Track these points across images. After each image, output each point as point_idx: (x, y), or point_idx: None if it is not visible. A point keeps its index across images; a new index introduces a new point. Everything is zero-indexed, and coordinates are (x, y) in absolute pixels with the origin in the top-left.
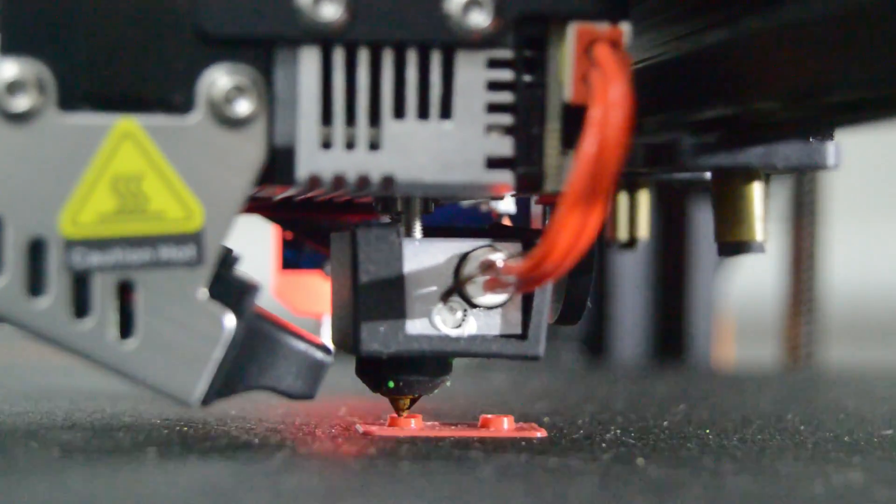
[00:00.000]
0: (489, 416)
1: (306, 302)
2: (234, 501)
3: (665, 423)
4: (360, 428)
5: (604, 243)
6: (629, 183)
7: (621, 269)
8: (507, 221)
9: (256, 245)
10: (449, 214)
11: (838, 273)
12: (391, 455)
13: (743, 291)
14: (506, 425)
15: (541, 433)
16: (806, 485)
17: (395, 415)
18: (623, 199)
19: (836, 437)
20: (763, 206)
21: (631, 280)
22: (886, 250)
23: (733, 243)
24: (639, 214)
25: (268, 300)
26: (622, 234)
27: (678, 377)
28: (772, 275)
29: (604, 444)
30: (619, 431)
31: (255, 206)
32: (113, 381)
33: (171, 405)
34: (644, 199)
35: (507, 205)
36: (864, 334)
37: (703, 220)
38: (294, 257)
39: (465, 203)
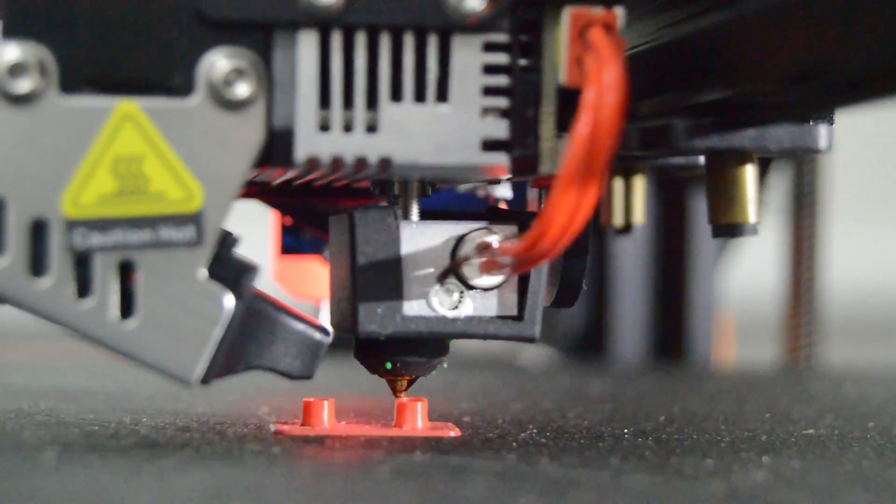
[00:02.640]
0: (404, 399)
1: (305, 287)
2: (116, 500)
3: (585, 422)
4: (273, 427)
5: (600, 232)
6: (624, 168)
7: (621, 269)
8: (503, 206)
9: (256, 230)
10: (446, 200)
11: (838, 273)
12: (294, 454)
13: (742, 291)
14: (419, 411)
15: (454, 432)
16: (704, 484)
17: (310, 414)
18: (619, 184)
19: (753, 436)
20: (756, 189)
21: (630, 279)
22: (886, 250)
23: (727, 226)
24: (634, 200)
25: (267, 285)
26: (618, 219)
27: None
28: (771, 274)
29: (514, 444)
30: (535, 431)
31: (255, 191)
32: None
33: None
34: (639, 184)
35: (503, 190)
36: (864, 334)
37: (703, 219)
38: (293, 242)
39: (462, 188)
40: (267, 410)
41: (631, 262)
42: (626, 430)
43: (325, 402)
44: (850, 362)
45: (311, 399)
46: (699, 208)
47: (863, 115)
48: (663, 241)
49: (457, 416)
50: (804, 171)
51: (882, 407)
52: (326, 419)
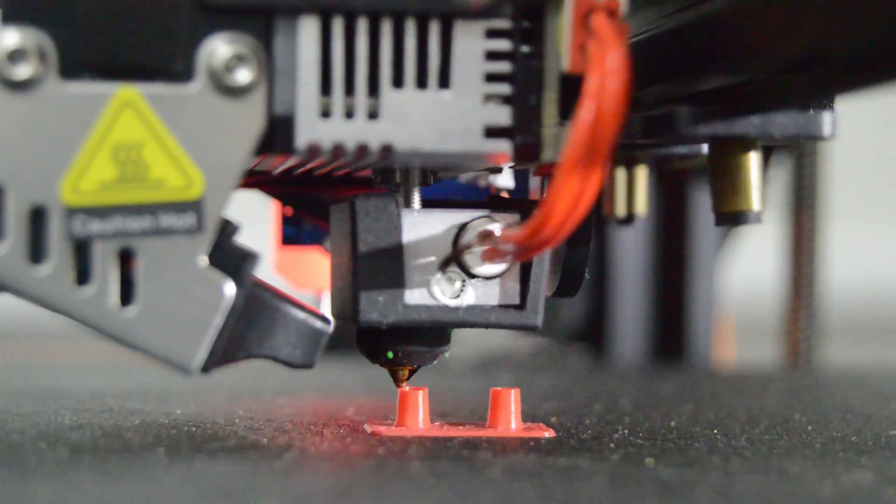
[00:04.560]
0: (498, 388)
1: (306, 277)
2: (243, 502)
3: (672, 423)
4: (368, 428)
5: (601, 226)
6: (627, 159)
7: (621, 269)
8: (505, 195)
9: (256, 221)
10: (447, 189)
11: (839, 272)
12: (400, 455)
13: (743, 290)
14: (512, 398)
15: (549, 433)
16: (815, 485)
17: (403, 415)
18: (621, 174)
19: (843, 437)
20: (760, 176)
21: (631, 279)
22: (887, 249)
23: (730, 213)
24: (636, 190)
25: (268, 276)
26: (620, 209)
27: (681, 377)
28: (771, 274)
29: (612, 445)
30: (626, 432)
31: (256, 181)
32: (120, 381)
33: (180, 406)
34: (642, 174)
35: (505, 179)
36: (864, 334)
37: (703, 218)
38: (294, 233)
39: (464, 177)
40: (353, 411)
41: (631, 262)
42: (715, 430)
43: (420, 394)
44: (850, 363)
45: (407, 389)
46: (699, 208)
47: (863, 114)
48: (663, 241)
49: (542, 417)
50: (804, 170)
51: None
52: (421, 420)
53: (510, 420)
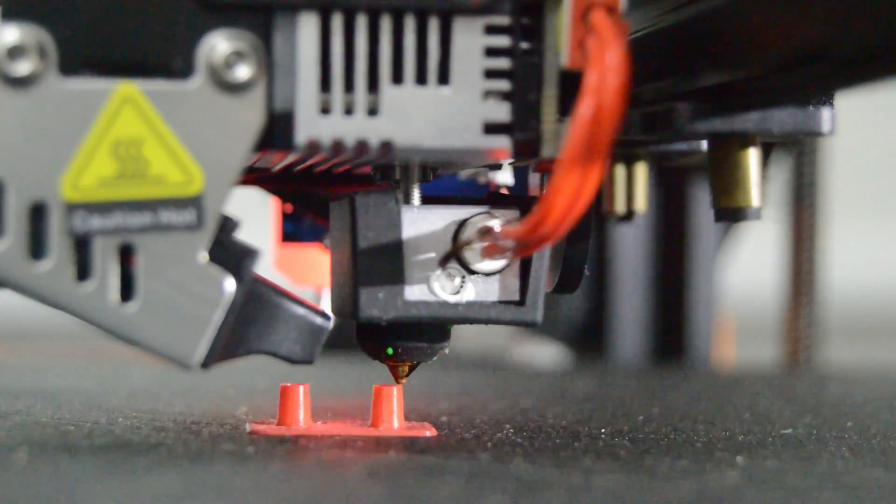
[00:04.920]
0: (381, 385)
1: (306, 274)
2: (85, 500)
3: (563, 422)
4: (248, 426)
5: (601, 224)
6: (626, 155)
7: (620, 269)
8: (505, 192)
9: (256, 218)
10: (447, 187)
11: (839, 272)
12: (262, 455)
13: (743, 290)
14: (395, 396)
15: (430, 432)
16: (677, 484)
17: (285, 414)
18: (620, 171)
19: (730, 436)
20: (759, 173)
21: (630, 279)
22: (888, 249)
23: (730, 209)
24: (636, 187)
25: (268, 272)
26: (620, 206)
27: (596, 376)
28: (771, 274)
29: (489, 444)
30: (512, 431)
31: (255, 178)
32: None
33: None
34: (641, 171)
35: (505, 176)
36: (864, 334)
37: (703, 218)
38: (294, 230)
39: (463, 174)
40: (245, 410)
41: (630, 262)
42: (602, 430)
43: (301, 391)
44: (849, 362)
45: (288, 384)
46: (699, 208)
47: (863, 111)
48: (663, 241)
49: (435, 416)
50: (803, 168)
51: (861, 406)
52: (302, 419)
53: (392, 418)
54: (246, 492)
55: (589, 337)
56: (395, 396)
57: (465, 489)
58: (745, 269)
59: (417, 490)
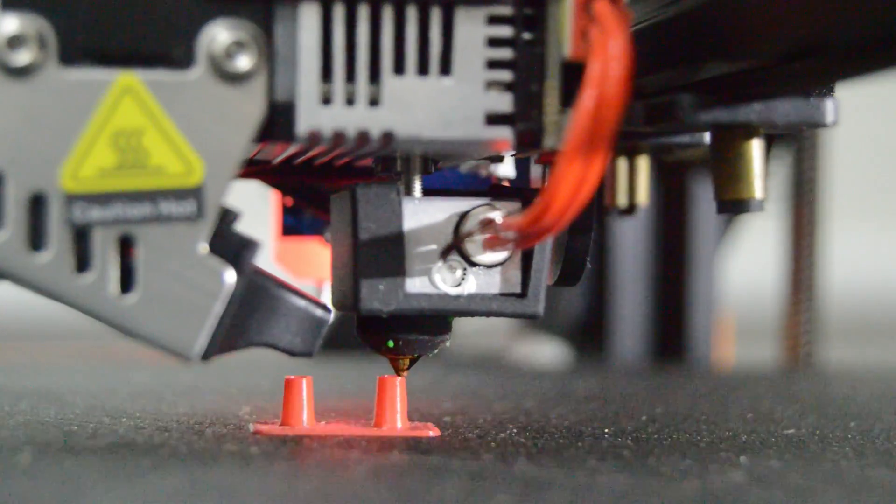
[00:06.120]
0: (383, 385)
1: (307, 267)
2: (88, 500)
3: (567, 422)
4: (252, 427)
5: (602, 220)
6: (628, 148)
7: (620, 268)
8: (506, 184)
9: (257, 211)
10: (448, 179)
11: (839, 272)
12: (266, 455)
13: (743, 290)
14: (398, 396)
15: (433, 432)
16: (680, 484)
17: (288, 414)
18: (622, 164)
19: (733, 435)
20: (762, 165)
21: (630, 278)
22: (888, 248)
23: (732, 201)
24: (638, 181)
25: (268, 266)
26: (621, 199)
27: (599, 375)
28: (771, 273)
29: (493, 444)
30: (515, 431)
31: (256, 170)
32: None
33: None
34: (643, 164)
35: (506, 169)
36: (864, 334)
37: (704, 218)
38: (294, 223)
39: (465, 167)
40: (248, 410)
41: (630, 261)
42: (606, 430)
43: (304, 392)
44: (849, 362)
45: (292, 377)
46: (700, 207)
47: (864, 109)
48: (663, 241)
49: (438, 417)
50: (804, 164)
51: (865, 406)
52: (305, 419)
53: (395, 419)
54: (250, 493)
55: (588, 334)
56: (398, 396)
57: (469, 489)
58: (744, 269)
59: (422, 490)
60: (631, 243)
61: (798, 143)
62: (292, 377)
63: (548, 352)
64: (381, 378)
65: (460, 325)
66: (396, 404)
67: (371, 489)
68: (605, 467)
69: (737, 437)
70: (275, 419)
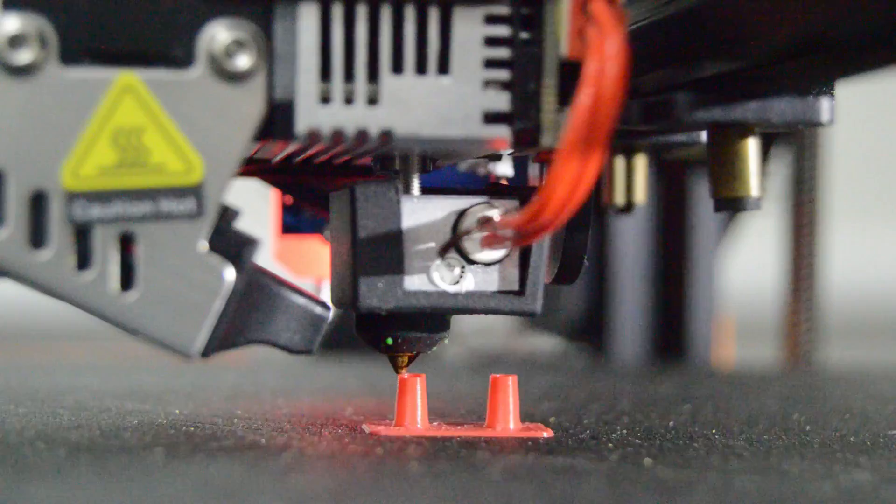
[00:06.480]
0: (496, 385)
1: (306, 266)
2: (242, 502)
3: (671, 423)
4: (367, 428)
5: (601, 213)
6: (626, 147)
7: (620, 268)
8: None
9: (256, 210)
10: (446, 178)
11: (839, 272)
12: (398, 455)
13: (743, 290)
14: (510, 396)
15: (547, 433)
16: (814, 484)
17: (401, 415)
18: (620, 163)
19: (841, 436)
20: (759, 163)
21: (630, 278)
22: (888, 248)
23: (729, 199)
24: (636, 179)
25: (268, 264)
26: (619, 198)
27: (680, 377)
28: (771, 273)
29: (610, 445)
30: (625, 431)
31: (255, 169)
32: (119, 381)
33: (179, 405)
34: (641, 163)
35: (504, 168)
36: (864, 334)
37: (703, 218)
38: (294, 222)
39: (463, 166)
40: (351, 411)
41: (630, 261)
42: (714, 431)
43: (419, 394)
44: (850, 362)
45: (406, 376)
46: (699, 203)
47: (863, 111)
48: (663, 241)
49: (541, 418)
50: (804, 163)
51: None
52: (419, 420)
53: (508, 420)
54: (392, 495)
55: (588, 334)
56: (510, 397)
57: (612, 489)
58: (744, 269)
59: (566, 491)
60: (631, 243)
61: (798, 143)
62: (406, 376)
63: (547, 351)
64: (494, 377)
65: (460, 325)
66: (510, 405)
67: (513, 490)
68: (733, 468)
69: (845, 438)
70: (386, 420)
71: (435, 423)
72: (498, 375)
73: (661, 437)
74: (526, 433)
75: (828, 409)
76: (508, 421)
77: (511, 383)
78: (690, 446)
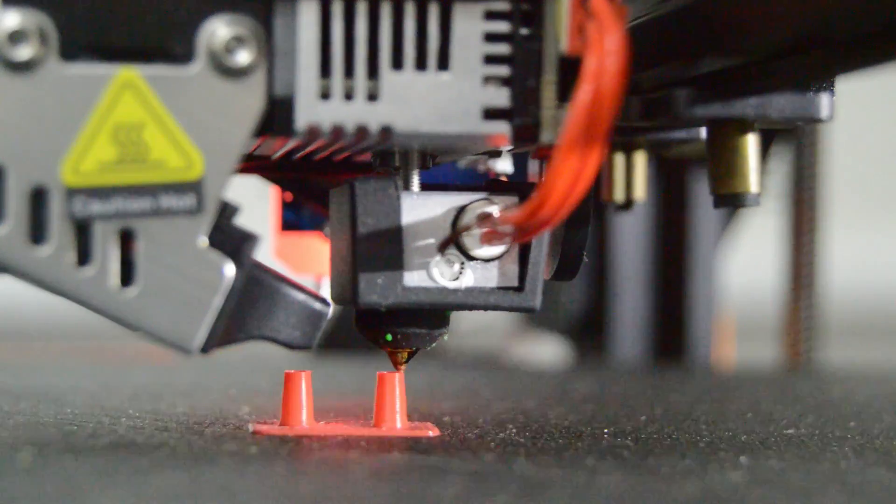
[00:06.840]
0: (383, 384)
1: (306, 263)
2: (88, 500)
3: (566, 422)
4: (251, 427)
5: (601, 210)
6: (625, 144)
7: (620, 268)
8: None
9: (256, 206)
10: (446, 175)
11: (839, 271)
12: (266, 455)
13: (743, 290)
14: (397, 396)
15: (433, 432)
16: (680, 484)
17: (286, 413)
18: (619, 160)
19: (733, 435)
20: (758, 159)
21: (630, 277)
22: (888, 248)
23: (729, 195)
24: (635, 176)
25: (268, 261)
26: (619, 195)
27: (597, 375)
28: (771, 273)
29: (492, 444)
30: (515, 431)
31: (255, 166)
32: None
33: (73, 406)
34: (640, 160)
35: (504, 164)
36: (864, 334)
37: (703, 214)
38: (294, 219)
39: (462, 163)
40: (248, 410)
41: (630, 261)
42: (605, 430)
43: (304, 392)
44: (850, 362)
45: (292, 371)
46: (700, 207)
47: (864, 109)
48: (663, 241)
49: (437, 416)
50: (804, 160)
51: (864, 407)
52: (305, 419)
53: (395, 418)
54: (250, 492)
55: (588, 334)
56: (397, 396)
57: (469, 489)
58: (744, 269)
59: (421, 491)
60: (631, 242)
61: (798, 141)
62: (291, 371)
63: (548, 351)
64: (381, 375)
65: (460, 323)
66: (396, 404)
67: (370, 490)
68: (605, 467)
69: (736, 437)
70: (274, 419)
71: (321, 423)
72: (385, 373)
73: (549, 437)
74: (411, 432)
75: (735, 408)
76: (395, 420)
77: (398, 382)
78: (573, 446)
